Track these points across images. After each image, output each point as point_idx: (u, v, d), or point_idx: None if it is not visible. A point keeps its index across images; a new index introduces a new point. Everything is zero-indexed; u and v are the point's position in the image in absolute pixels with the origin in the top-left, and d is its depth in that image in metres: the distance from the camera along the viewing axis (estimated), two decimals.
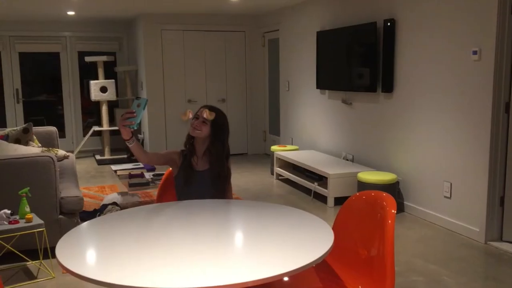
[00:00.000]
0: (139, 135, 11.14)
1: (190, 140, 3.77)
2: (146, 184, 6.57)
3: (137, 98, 3.21)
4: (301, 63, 8.99)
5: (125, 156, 10.46)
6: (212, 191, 3.71)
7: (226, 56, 10.77)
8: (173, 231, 2.87)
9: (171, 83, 10.44)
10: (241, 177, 8.53)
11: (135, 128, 3.23)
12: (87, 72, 11.62)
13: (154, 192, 7.23)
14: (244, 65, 10.90)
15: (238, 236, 2.82)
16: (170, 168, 4.08)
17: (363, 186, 6.31)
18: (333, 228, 2.87)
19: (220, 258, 2.44)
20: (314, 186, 7.15)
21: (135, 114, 3.19)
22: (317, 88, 8.31)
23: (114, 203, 6.48)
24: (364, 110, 7.22)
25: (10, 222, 4.29)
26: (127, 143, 3.35)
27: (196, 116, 3.73)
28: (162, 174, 4.60)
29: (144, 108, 3.17)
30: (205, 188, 3.70)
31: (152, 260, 2.43)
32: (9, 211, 4.35)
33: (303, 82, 8.96)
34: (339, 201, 6.73)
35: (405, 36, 6.36)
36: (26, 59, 11.29)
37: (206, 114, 3.64)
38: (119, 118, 3.20)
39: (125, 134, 3.27)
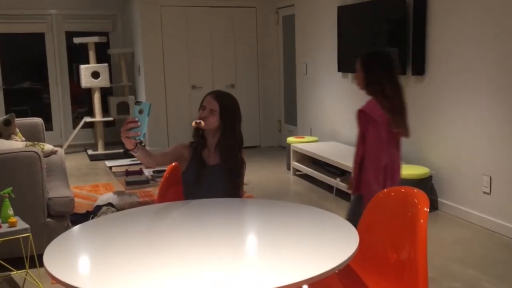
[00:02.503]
0: None
1: (199, 131, 3.79)
2: (146, 182, 6.58)
3: (137, 103, 3.12)
4: (320, 42, 8.98)
5: (121, 150, 10.50)
6: (225, 187, 3.74)
7: (235, 35, 10.78)
8: (178, 235, 2.88)
9: (172, 67, 10.46)
10: (253, 173, 8.55)
11: (142, 139, 3.16)
12: (77, 56, 11.66)
13: (154, 191, 7.25)
14: (255, 46, 10.90)
15: (253, 240, 2.83)
16: (173, 164, 4.10)
17: None
18: (358, 229, 2.87)
19: (234, 266, 2.45)
20: (336, 182, 7.15)
21: (138, 124, 3.10)
22: (338, 71, 8.30)
23: (110, 204, 6.51)
24: None
25: None
26: (132, 153, 3.31)
27: (203, 107, 3.74)
28: (164, 171, 4.62)
29: (148, 115, 3.09)
30: (218, 185, 3.73)
31: (155, 269, 2.45)
32: None
33: (322, 65, 8.96)
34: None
35: (439, 11, 6.34)
36: (6, 42, 11.33)
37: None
38: (120, 129, 3.15)
39: (129, 144, 3.21)
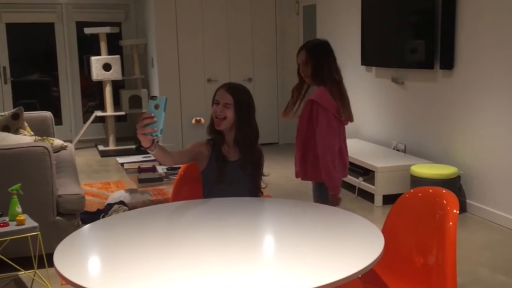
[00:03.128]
0: None
1: (216, 130, 3.79)
2: (159, 179, 6.59)
3: (153, 97, 3.11)
4: (343, 34, 8.95)
5: (134, 146, 10.53)
6: (248, 182, 3.77)
7: (253, 26, 10.77)
8: (192, 235, 2.89)
9: (187, 59, 10.47)
10: (271, 172, 8.49)
11: (159, 135, 3.13)
12: (87, 47, 11.70)
13: (168, 189, 7.26)
14: (274, 38, 10.89)
15: (271, 242, 2.83)
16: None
17: (417, 181, 6.29)
18: (382, 232, 2.87)
19: (251, 268, 2.45)
20: (359, 182, 7.14)
21: (155, 119, 3.08)
22: (362, 64, 8.27)
23: (121, 202, 6.53)
24: (419, 90, 7.18)
25: None
26: (149, 151, 3.30)
27: (216, 101, 3.75)
28: (179, 168, 4.62)
29: (164, 110, 3.08)
30: (240, 180, 3.75)
31: (168, 270, 2.45)
32: None
33: (345, 58, 8.93)
34: (388, 199, 6.71)
35: (469, 0, 6.30)
36: (15, 32, 11.39)
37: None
38: (136, 125, 3.14)
39: (145, 142, 3.20)
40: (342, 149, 4.41)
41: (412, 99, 7.34)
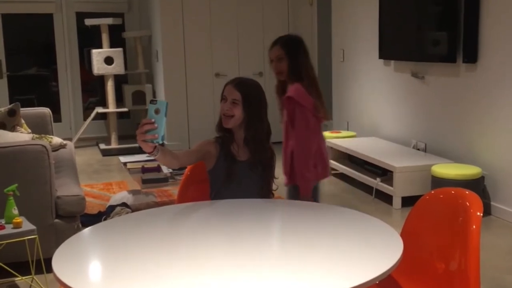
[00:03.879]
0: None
1: (225, 128, 3.78)
2: (164, 180, 6.60)
3: (153, 101, 3.10)
4: (359, 26, 8.95)
5: (137, 144, 10.54)
6: (258, 184, 3.77)
7: (263, 17, 10.77)
8: (199, 239, 2.89)
9: (194, 52, 10.48)
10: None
11: (160, 142, 3.15)
12: (88, 39, 11.74)
13: (174, 190, 7.27)
14: (286, 29, 10.88)
15: (283, 246, 2.83)
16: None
17: (438, 182, 6.28)
18: (401, 235, 2.86)
19: (261, 275, 2.45)
20: (376, 183, 7.13)
21: (155, 125, 3.08)
22: (380, 58, 8.26)
23: (124, 204, 6.55)
24: (440, 85, 7.17)
25: None
26: (152, 157, 3.30)
27: (224, 98, 3.75)
28: (185, 168, 4.62)
29: (165, 115, 3.08)
30: (250, 181, 3.75)
31: (172, 276, 2.45)
32: None
33: (362, 51, 8.93)
34: (408, 201, 6.70)
35: None
36: (11, 23, 11.42)
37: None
38: (136, 132, 3.14)
39: (147, 148, 3.20)
40: (322, 149, 4.44)
41: (433, 94, 7.32)
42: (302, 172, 4.26)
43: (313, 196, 4.40)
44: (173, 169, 6.57)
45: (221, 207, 3.42)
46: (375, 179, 7.20)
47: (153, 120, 3.08)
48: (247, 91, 3.71)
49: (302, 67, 4.39)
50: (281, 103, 4.48)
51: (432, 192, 3.24)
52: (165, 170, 6.85)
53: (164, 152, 3.35)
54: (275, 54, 4.46)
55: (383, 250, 2.66)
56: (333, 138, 8.55)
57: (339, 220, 3.16)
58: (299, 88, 4.29)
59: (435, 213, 3.16)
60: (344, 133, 8.82)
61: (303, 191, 4.28)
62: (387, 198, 7.05)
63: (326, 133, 8.74)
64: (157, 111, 3.07)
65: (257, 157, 3.75)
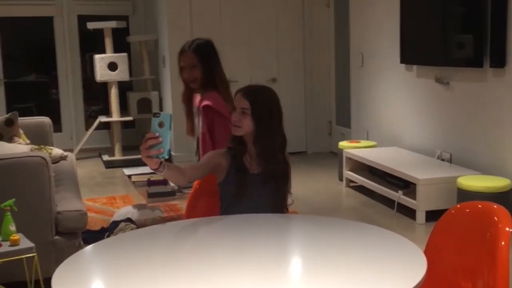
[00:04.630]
0: None
1: (238, 137, 3.78)
2: (171, 194, 6.60)
3: (156, 114, 3.11)
4: (379, 28, 8.95)
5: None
6: (270, 199, 3.75)
7: (277, 20, 10.78)
8: (209, 258, 2.89)
9: None
10: (299, 184, 8.54)
11: (166, 157, 3.14)
12: (91, 44, 11.78)
13: (182, 204, 7.27)
14: (301, 33, 10.89)
15: (298, 265, 2.83)
16: None
17: (465, 195, 6.25)
18: (425, 252, 2.85)
19: None
20: (398, 196, 7.11)
21: (160, 139, 3.09)
22: (401, 62, 8.25)
23: (128, 220, 6.56)
24: (466, 91, 7.16)
25: None
26: (157, 173, 3.31)
27: (234, 108, 3.75)
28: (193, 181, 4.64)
29: (170, 128, 3.09)
30: (262, 196, 3.74)
31: None
32: None
33: (382, 55, 8.92)
34: (432, 216, 6.68)
35: None
36: (9, 27, 11.47)
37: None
38: (140, 147, 3.14)
39: (152, 164, 3.21)
40: None
41: (459, 101, 7.31)
42: None
43: None
44: (180, 185, 6.58)
45: (231, 222, 3.42)
46: (397, 192, 7.17)
47: (157, 134, 3.09)
48: (256, 100, 3.69)
49: (216, 74, 4.45)
50: (189, 111, 4.47)
51: (458, 206, 3.24)
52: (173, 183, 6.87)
53: (170, 168, 3.36)
54: (187, 61, 4.44)
55: (405, 269, 2.65)
56: (352, 148, 8.53)
57: (358, 236, 3.15)
58: (216, 96, 4.32)
59: (461, 228, 3.15)
60: (363, 142, 8.81)
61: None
62: (410, 212, 7.03)
63: (344, 143, 8.73)
64: (161, 124, 3.08)
65: (270, 170, 3.74)
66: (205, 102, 4.28)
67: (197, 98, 4.70)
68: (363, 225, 3.35)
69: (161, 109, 11.28)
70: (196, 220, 3.55)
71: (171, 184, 6.79)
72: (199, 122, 4.49)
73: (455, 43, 7.14)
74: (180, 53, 4.52)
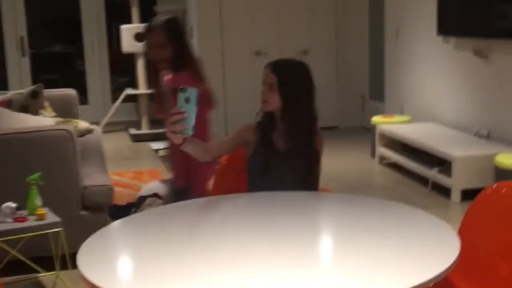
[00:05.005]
0: None
1: (267, 112, 3.79)
2: None
3: (182, 89, 3.15)
4: None
5: None
6: (299, 178, 3.74)
7: None
8: (235, 235, 2.91)
9: (232, 28, 10.48)
10: (330, 161, 8.48)
11: (190, 133, 3.17)
12: (117, 14, 11.79)
13: (209, 182, 7.31)
14: (334, 2, 10.83)
15: (329, 245, 2.85)
16: None
17: (503, 174, 6.23)
18: (459, 233, 2.85)
19: (304, 276, 2.46)
20: (433, 174, 7.09)
21: (185, 115, 3.12)
22: (438, 34, 8.19)
23: (155, 195, 6.59)
24: (506, 65, 7.10)
25: (15, 220, 4.41)
26: (182, 148, 3.35)
27: (263, 82, 3.75)
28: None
29: (196, 104, 3.12)
30: (290, 174, 3.73)
31: (207, 276, 2.48)
32: (14, 205, 4.46)
33: (418, 26, 8.87)
34: (468, 195, 6.67)
35: None
36: None
37: None
38: (165, 122, 3.18)
39: (176, 139, 3.26)
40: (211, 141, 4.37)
41: (499, 76, 7.26)
42: (200, 171, 4.21)
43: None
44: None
45: (258, 200, 3.44)
46: (432, 169, 7.15)
47: (182, 109, 3.12)
48: (284, 75, 3.68)
49: (186, 52, 4.30)
50: (158, 91, 4.40)
51: (495, 185, 3.23)
52: None
53: (195, 144, 3.39)
54: (156, 39, 4.29)
55: (439, 250, 2.66)
56: (385, 123, 8.51)
57: (391, 216, 3.16)
58: (186, 76, 4.21)
59: (498, 208, 3.14)
60: (397, 117, 8.78)
61: (200, 189, 4.22)
62: (444, 191, 7.01)
63: (377, 118, 8.71)
64: (187, 100, 3.11)
65: (297, 147, 3.72)
66: (177, 84, 4.16)
67: (167, 76, 4.57)
68: (395, 204, 3.36)
69: None
70: (223, 197, 3.57)
71: None
72: (170, 103, 4.30)
73: (496, 12, 7.06)
74: (148, 31, 4.39)
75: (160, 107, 4.50)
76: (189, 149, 3.34)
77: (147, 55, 4.42)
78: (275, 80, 3.66)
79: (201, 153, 3.50)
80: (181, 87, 3.11)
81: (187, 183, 4.36)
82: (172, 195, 4.58)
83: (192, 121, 3.12)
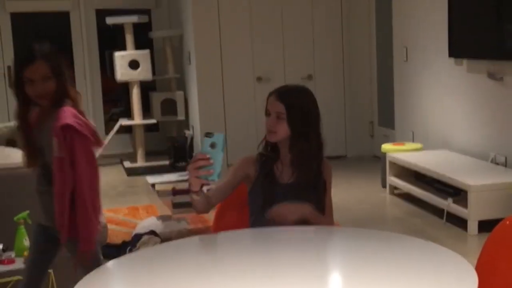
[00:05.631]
0: (186, 132, 11.25)
1: (271, 143, 3.78)
2: None
3: (208, 134, 3.21)
4: (425, 19, 8.92)
5: (167, 162, 10.59)
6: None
7: (313, 11, 10.77)
8: (239, 275, 2.90)
9: (232, 53, 10.51)
10: (338, 192, 8.48)
11: (216, 179, 3.23)
12: (110, 40, 11.83)
13: (210, 216, 7.27)
14: (339, 25, 10.87)
15: (339, 283, 2.83)
16: None
17: None
18: (476, 268, 2.84)
19: None
20: (448, 204, 7.07)
21: (211, 161, 3.18)
22: (450, 56, 8.20)
23: (152, 233, 6.58)
24: None
25: (2, 262, 4.40)
26: (193, 196, 3.39)
27: (267, 112, 3.74)
28: None
29: (222, 150, 3.18)
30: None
31: None
32: (0, 246, 4.46)
33: (428, 48, 8.89)
34: (485, 226, 6.64)
35: None
36: (23, 22, 11.53)
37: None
38: (188, 166, 3.22)
39: (196, 185, 3.30)
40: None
41: None
42: (89, 218, 3.89)
43: (97, 249, 4.07)
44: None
45: (262, 236, 3.43)
46: (446, 199, 7.13)
47: (208, 155, 3.17)
48: (292, 103, 3.68)
49: (68, 85, 4.06)
50: (28, 135, 4.04)
51: None
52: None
53: (204, 197, 3.44)
54: (39, 73, 3.95)
55: (455, 286, 2.64)
56: (396, 151, 8.50)
57: (403, 250, 3.15)
58: (71, 112, 3.93)
59: None
60: (408, 145, 8.77)
61: (87, 242, 3.90)
62: (460, 222, 6.99)
63: (388, 146, 8.71)
64: (213, 145, 3.18)
65: (303, 178, 3.71)
66: (64, 121, 3.87)
67: (35, 114, 4.14)
68: (408, 238, 3.34)
69: (186, 110, 11.31)
70: (225, 233, 3.55)
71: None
72: (49, 146, 3.95)
73: (509, 33, 7.09)
74: (25, 63, 3.99)
75: (32, 154, 4.09)
76: (199, 199, 3.40)
77: (26, 88, 3.94)
78: (283, 109, 3.65)
79: (203, 204, 3.50)
80: (207, 132, 3.16)
81: (70, 237, 3.95)
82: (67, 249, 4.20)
83: (218, 167, 3.17)
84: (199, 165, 3.18)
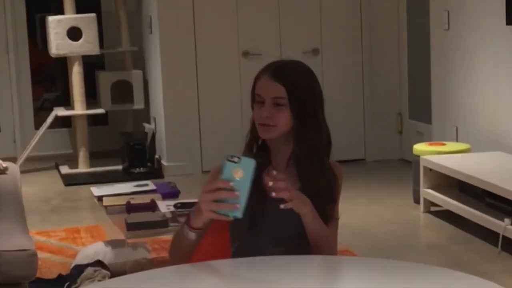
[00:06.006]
0: (146, 126, 11.21)
1: (257, 139, 3.74)
2: (162, 224, 6.58)
3: (232, 158, 3.14)
4: None
5: (120, 167, 10.58)
6: (299, 232, 3.65)
7: None
8: None
9: (208, 20, 10.52)
10: (354, 210, 8.53)
11: (240, 216, 3.17)
12: (42, 2, 11.82)
13: None
14: None
15: None
16: None
17: None
18: None
19: None
20: (504, 227, 7.08)
21: (237, 193, 3.12)
22: (507, 24, 8.23)
23: (99, 263, 6.59)
24: None
25: None
26: (191, 232, 3.40)
27: (258, 98, 3.66)
28: (193, 204, 4.58)
29: (251, 180, 3.12)
30: (291, 227, 3.66)
31: None
32: None
33: (478, 13, 8.91)
34: None
35: None
36: None
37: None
38: (202, 195, 3.17)
39: (201, 221, 3.32)
40: None
41: None
42: None
43: None
44: (175, 203, 6.58)
45: (249, 269, 3.42)
46: (503, 220, 7.15)
47: (231, 183, 3.12)
48: (295, 83, 3.61)
49: None
50: None
51: None
52: (164, 208, 6.85)
53: (198, 241, 3.46)
54: None
55: None
56: (433, 153, 8.51)
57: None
58: None
59: None
60: (451, 145, 8.79)
61: None
62: None
63: (422, 146, 8.72)
64: (237, 173, 3.11)
65: (311, 186, 3.64)
66: None
67: None
68: (449, 272, 3.36)
69: (146, 96, 11.27)
70: (199, 265, 3.55)
71: (161, 209, 6.79)
72: None
73: None
74: None
75: None
76: (193, 239, 3.42)
77: None
78: (284, 93, 3.57)
79: (190, 250, 3.52)
80: (230, 154, 3.09)
81: None
82: None
83: (244, 201, 3.12)
84: (219, 197, 3.13)
